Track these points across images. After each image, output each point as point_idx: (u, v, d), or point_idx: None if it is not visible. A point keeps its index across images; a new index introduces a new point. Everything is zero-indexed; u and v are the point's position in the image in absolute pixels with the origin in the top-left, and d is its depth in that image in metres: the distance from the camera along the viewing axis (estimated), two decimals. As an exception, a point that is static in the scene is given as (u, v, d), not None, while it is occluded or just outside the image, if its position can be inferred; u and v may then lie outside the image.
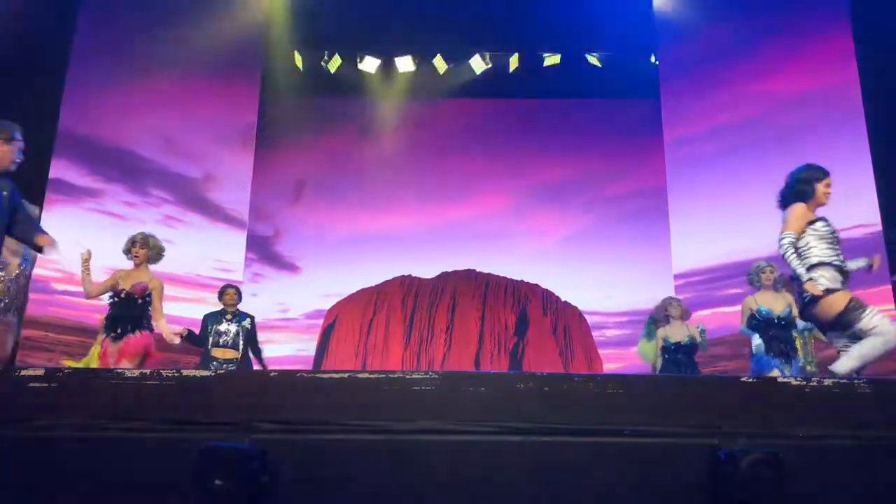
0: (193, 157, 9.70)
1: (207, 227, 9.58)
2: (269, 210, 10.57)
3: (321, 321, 10.32)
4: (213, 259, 9.38)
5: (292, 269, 10.55)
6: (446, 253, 10.45)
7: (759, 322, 5.47)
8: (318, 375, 2.76)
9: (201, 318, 6.49)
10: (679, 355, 6.11)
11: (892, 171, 8.03)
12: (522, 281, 10.50)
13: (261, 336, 6.73)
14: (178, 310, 8.72)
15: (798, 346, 5.65)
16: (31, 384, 2.79)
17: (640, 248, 10.10)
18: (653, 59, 10.35)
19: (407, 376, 2.73)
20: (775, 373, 5.18)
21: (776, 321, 5.39)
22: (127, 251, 5.42)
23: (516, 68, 10.41)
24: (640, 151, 10.40)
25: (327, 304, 10.37)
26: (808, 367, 5.75)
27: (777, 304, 5.44)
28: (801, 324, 5.54)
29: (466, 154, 10.76)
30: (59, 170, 8.68)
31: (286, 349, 9.94)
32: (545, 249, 10.59)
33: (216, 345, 6.28)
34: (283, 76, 10.42)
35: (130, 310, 5.26)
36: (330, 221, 10.66)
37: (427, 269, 10.58)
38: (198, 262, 9.17)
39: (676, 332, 6.22)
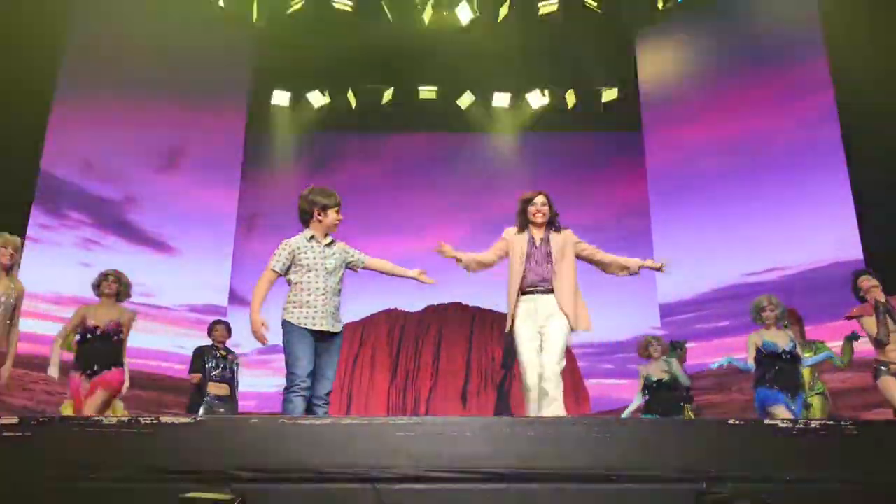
0: (113, 178, 9.47)
1: (127, 251, 9.33)
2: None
3: (274, 357, 10.07)
4: (134, 283, 9.26)
5: (246, 304, 10.27)
6: (404, 285, 10.28)
7: (764, 357, 5.48)
8: (299, 422, 2.71)
9: (192, 351, 6.43)
10: (661, 391, 6.23)
11: (872, 201, 8.09)
12: (510, 314, 10.41)
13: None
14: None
15: (805, 380, 5.67)
16: (6, 433, 2.73)
17: (624, 279, 10.04)
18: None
19: (391, 422, 2.69)
20: (780, 408, 5.20)
21: (782, 355, 5.40)
22: (97, 286, 5.32)
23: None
24: (620, 181, 10.43)
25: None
26: (809, 399, 5.77)
27: (781, 338, 5.46)
28: (807, 359, 5.74)
29: (438, 185, 10.74)
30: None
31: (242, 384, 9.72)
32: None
33: (210, 379, 6.23)
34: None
35: (105, 346, 5.17)
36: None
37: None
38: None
39: (656, 370, 6.34)
